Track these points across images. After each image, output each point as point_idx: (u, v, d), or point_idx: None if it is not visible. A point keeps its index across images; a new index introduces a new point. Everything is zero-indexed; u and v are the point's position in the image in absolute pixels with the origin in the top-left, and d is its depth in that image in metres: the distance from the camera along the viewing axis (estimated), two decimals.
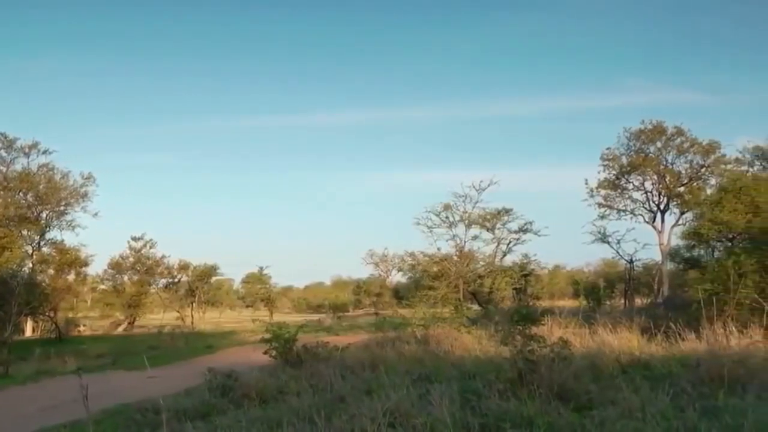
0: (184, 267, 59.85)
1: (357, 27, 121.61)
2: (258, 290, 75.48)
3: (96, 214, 50.08)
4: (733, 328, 16.47)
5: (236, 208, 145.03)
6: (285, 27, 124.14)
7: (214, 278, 66.29)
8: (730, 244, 27.72)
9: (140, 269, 55.59)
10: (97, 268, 60.62)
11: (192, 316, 58.25)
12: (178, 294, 59.52)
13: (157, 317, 56.96)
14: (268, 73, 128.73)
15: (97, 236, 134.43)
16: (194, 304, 61.30)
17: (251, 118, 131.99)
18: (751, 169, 35.56)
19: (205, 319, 62.71)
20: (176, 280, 59.63)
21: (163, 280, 58.56)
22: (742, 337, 16.12)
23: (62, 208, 49.21)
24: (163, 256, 57.21)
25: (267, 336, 21.38)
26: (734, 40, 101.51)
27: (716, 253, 29.60)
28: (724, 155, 40.19)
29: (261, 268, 74.59)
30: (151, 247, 56.23)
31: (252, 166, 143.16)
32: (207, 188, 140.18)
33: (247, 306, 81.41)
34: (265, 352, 21.07)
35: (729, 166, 38.59)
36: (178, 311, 56.96)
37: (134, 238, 56.20)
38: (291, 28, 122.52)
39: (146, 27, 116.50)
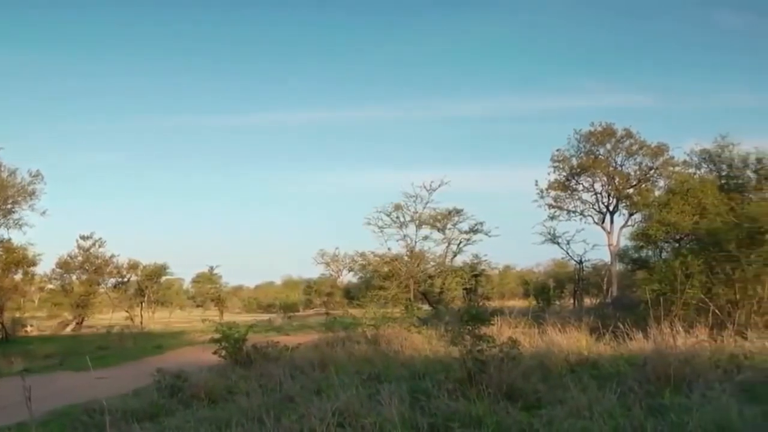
0: (133, 266, 59.02)
1: (309, 26, 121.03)
2: (208, 290, 74.94)
3: (44, 212, 49.06)
4: (680, 328, 16.63)
5: (187, 208, 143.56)
6: (234, 27, 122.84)
7: (163, 278, 65.45)
8: (677, 245, 28.03)
9: (89, 269, 54.65)
10: (45, 267, 59.48)
11: (141, 316, 57.37)
12: (127, 294, 58.68)
13: (106, 317, 56.08)
14: (226, 72, 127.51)
15: (45, 235, 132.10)
16: (144, 303, 60.44)
17: (203, 117, 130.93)
18: (698, 172, 35.81)
19: (155, 319, 61.90)
20: (125, 279, 58.80)
21: (112, 279, 57.73)
22: (689, 336, 16.29)
23: (9, 206, 48.26)
24: (113, 256, 56.41)
25: (216, 336, 21.22)
26: (683, 43, 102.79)
27: (664, 254, 29.89)
28: (672, 157, 40.64)
29: (211, 268, 74.13)
30: (100, 246, 55.41)
31: (202, 165, 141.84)
32: (157, 187, 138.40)
33: (198, 306, 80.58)
34: (215, 352, 20.94)
35: (677, 169, 38.88)
36: (127, 311, 56.18)
37: (83, 237, 55.31)
38: (241, 27, 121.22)
39: (87, 22, 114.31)
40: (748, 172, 34.58)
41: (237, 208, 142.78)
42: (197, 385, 14.60)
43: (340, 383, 13.14)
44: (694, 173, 35.50)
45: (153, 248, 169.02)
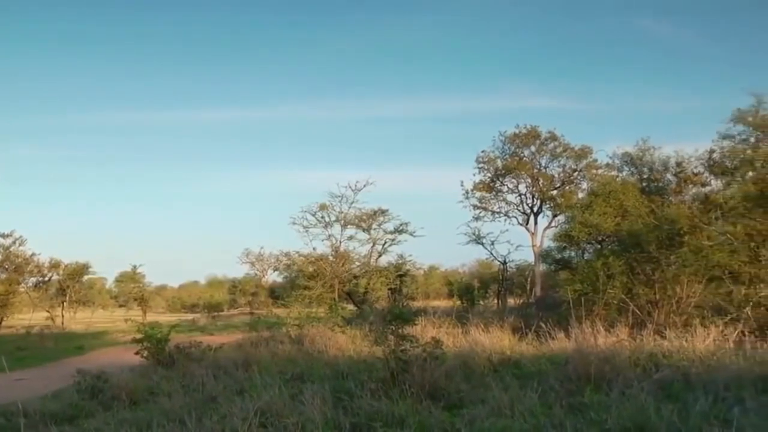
0: (55, 265, 57.53)
1: (236, 25, 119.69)
2: (131, 289, 73.50)
3: None
4: (601, 328, 16.78)
5: (110, 206, 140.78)
6: (170, 25, 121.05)
7: (86, 277, 64.21)
8: (599, 246, 28.43)
9: (8, 267, 53.35)
10: None
11: (63, 316, 56.03)
12: (48, 293, 57.42)
13: (26, 317, 54.66)
14: (150, 68, 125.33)
15: None
16: (65, 303, 59.18)
17: (127, 113, 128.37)
18: (620, 174, 36.46)
19: (77, 319, 60.54)
20: (47, 278, 57.53)
21: (32, 278, 56.46)
22: (609, 335, 16.46)
23: None
24: (33, 254, 55.07)
25: (139, 336, 20.93)
26: (607, 47, 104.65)
27: (586, 255, 30.31)
28: (595, 160, 41.13)
29: (134, 267, 72.71)
30: (20, 245, 54.07)
31: (125, 163, 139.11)
32: (79, 184, 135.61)
33: (120, 305, 79.31)
34: (137, 353, 20.65)
35: (600, 171, 39.47)
36: (48, 311, 54.88)
37: (2, 235, 53.93)
38: (178, 26, 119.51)
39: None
40: (669, 176, 35.37)
41: (161, 206, 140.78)
42: (118, 386, 14.30)
43: (263, 383, 13.22)
44: (617, 176, 36.14)
45: (75, 247, 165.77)
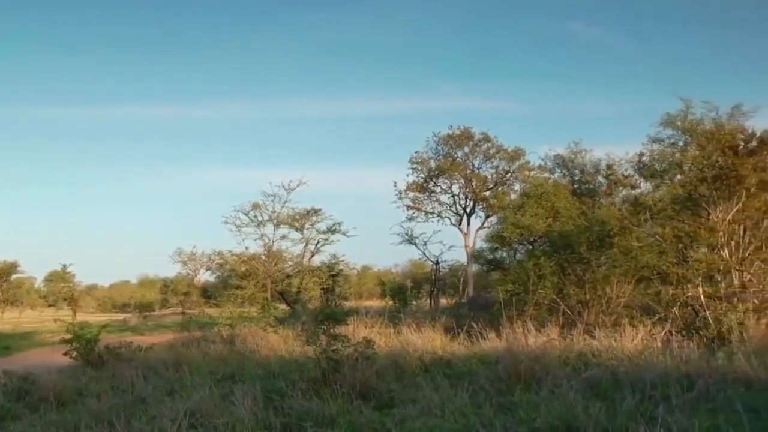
0: None
1: (178, 23, 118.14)
2: (61, 289, 72.45)
3: None
4: (532, 327, 16.89)
5: (39, 204, 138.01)
6: (99, 23, 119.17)
7: (14, 276, 63.47)
8: (531, 247, 28.64)
9: None
10: None
11: None
12: None
13: None
14: (76, 63, 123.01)
15: None
16: None
17: (57, 108, 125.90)
18: (552, 176, 36.96)
19: (4, 319, 59.30)
20: None
21: None
22: (540, 335, 16.56)
23: None
24: None
25: (68, 336, 20.59)
26: (540, 50, 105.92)
27: (518, 256, 30.53)
28: (528, 162, 41.70)
29: (64, 266, 71.79)
30: None
31: (55, 160, 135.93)
32: (6, 184, 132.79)
33: (50, 305, 77.74)
34: (66, 354, 20.33)
35: (532, 173, 39.96)
36: None
37: None
38: (106, 24, 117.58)
39: None
40: (599, 178, 36.00)
41: (92, 204, 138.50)
42: (46, 387, 13.93)
43: (194, 383, 13.29)
44: (549, 178, 36.59)
45: (2, 246, 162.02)
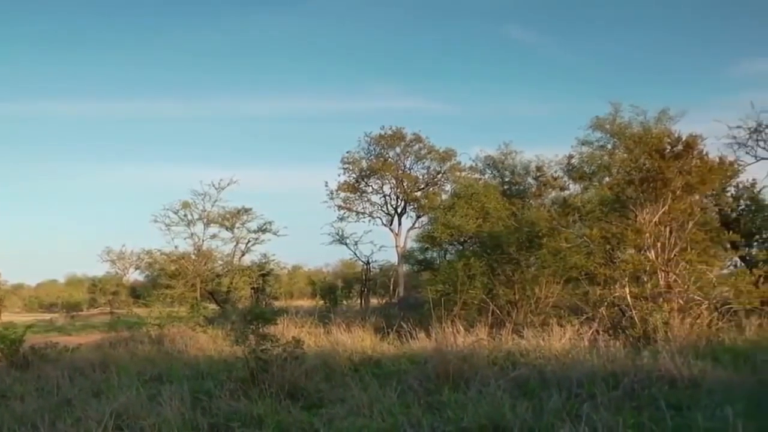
0: None
1: (115, 19, 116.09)
2: None
3: None
4: (461, 327, 17.00)
5: None
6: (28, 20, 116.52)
7: None
8: (461, 247, 28.83)
9: None
10: None
11: None
12: None
13: None
14: (13, 57, 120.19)
15: None
16: None
17: None
18: (482, 177, 37.22)
19: None
20: None
21: None
22: (469, 335, 16.68)
23: None
24: None
25: None
26: (472, 51, 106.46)
27: (448, 256, 30.71)
28: (459, 163, 41.79)
29: None
30: None
31: None
32: None
33: None
34: None
35: (463, 174, 40.10)
36: None
37: None
38: (33, 22, 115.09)
39: None
40: (529, 179, 36.38)
41: (17, 201, 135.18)
42: None
43: (121, 384, 13.12)
44: (479, 178, 36.86)
45: None
